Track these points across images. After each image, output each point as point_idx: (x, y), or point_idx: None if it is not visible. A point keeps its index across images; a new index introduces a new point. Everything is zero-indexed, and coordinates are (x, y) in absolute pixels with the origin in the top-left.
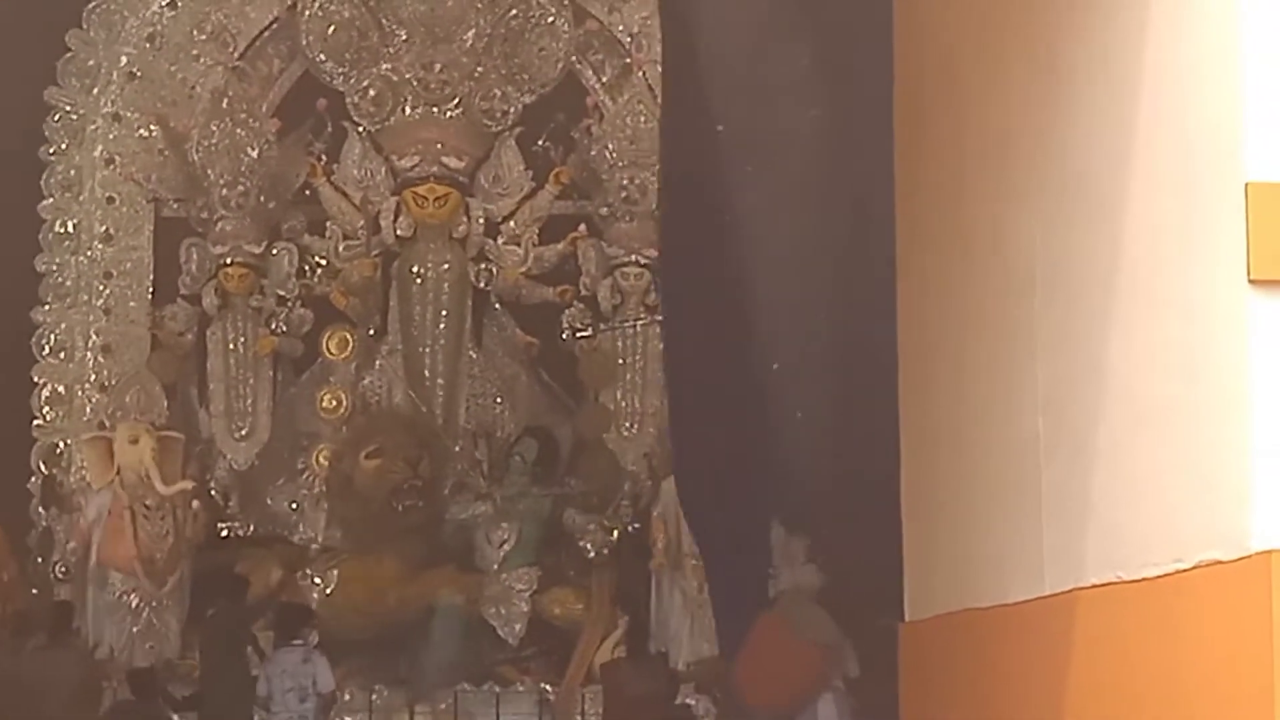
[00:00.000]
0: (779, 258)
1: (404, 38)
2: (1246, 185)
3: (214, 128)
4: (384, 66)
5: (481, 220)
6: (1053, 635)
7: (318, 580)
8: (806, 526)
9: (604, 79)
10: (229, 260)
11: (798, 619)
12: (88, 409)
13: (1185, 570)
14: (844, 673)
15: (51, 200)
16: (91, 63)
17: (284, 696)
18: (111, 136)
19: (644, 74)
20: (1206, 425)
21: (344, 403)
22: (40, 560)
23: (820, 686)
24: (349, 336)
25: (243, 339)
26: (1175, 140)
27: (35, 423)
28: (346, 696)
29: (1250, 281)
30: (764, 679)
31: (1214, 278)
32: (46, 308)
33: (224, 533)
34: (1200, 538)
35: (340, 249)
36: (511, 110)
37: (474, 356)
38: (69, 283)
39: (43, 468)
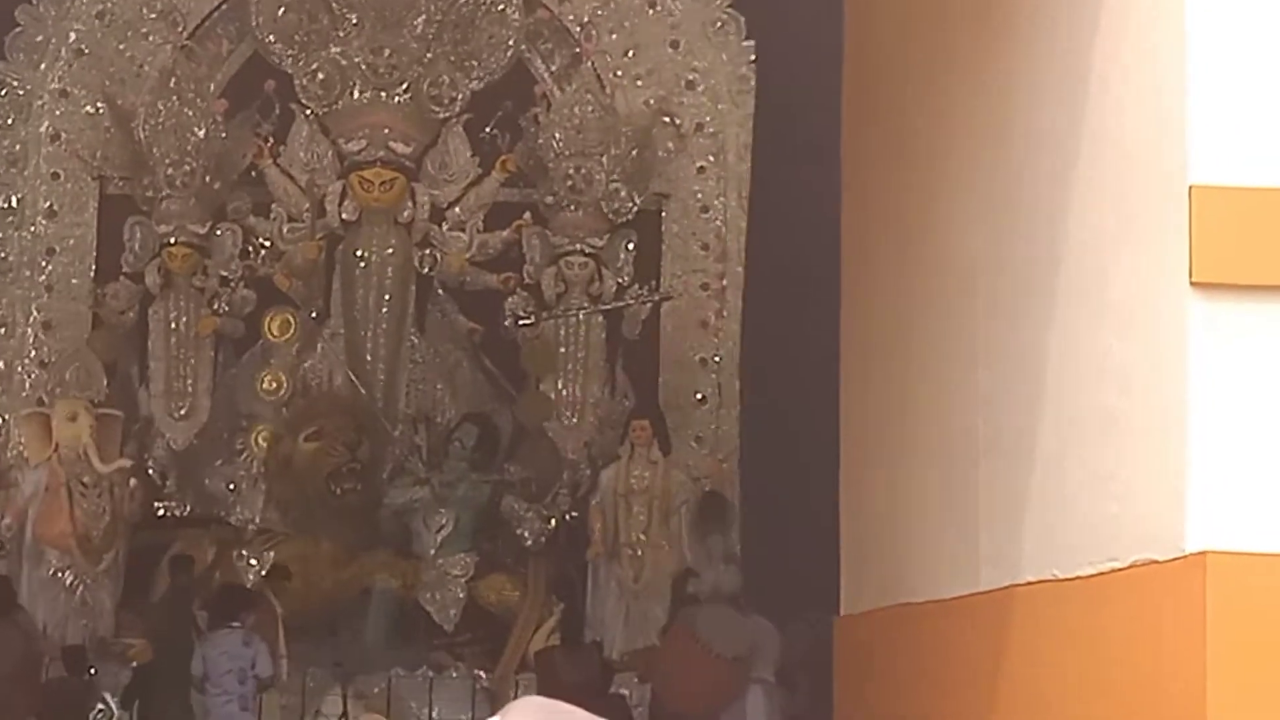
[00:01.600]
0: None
1: (354, 22)
2: (1190, 188)
3: (161, 106)
4: (333, 50)
5: (427, 206)
6: (987, 631)
7: (253, 561)
8: (740, 521)
9: (553, 68)
10: (173, 239)
11: (708, 631)
12: (27, 385)
13: (1120, 569)
14: (760, 679)
15: None
16: (40, 38)
17: (221, 678)
18: (58, 113)
19: (592, 64)
20: (1145, 426)
21: (284, 385)
22: None
23: (728, 699)
24: (291, 319)
25: (184, 319)
26: (1119, 142)
27: None
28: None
29: (1192, 284)
30: (673, 690)
31: (1156, 280)
32: None
33: (161, 512)
34: (1136, 537)
35: (285, 231)
36: (460, 97)
37: (416, 342)
38: (11, 258)
39: None
